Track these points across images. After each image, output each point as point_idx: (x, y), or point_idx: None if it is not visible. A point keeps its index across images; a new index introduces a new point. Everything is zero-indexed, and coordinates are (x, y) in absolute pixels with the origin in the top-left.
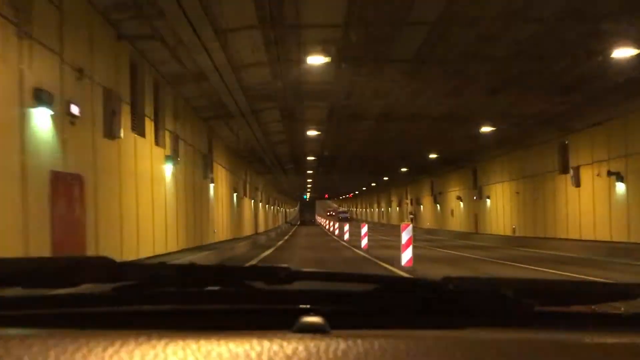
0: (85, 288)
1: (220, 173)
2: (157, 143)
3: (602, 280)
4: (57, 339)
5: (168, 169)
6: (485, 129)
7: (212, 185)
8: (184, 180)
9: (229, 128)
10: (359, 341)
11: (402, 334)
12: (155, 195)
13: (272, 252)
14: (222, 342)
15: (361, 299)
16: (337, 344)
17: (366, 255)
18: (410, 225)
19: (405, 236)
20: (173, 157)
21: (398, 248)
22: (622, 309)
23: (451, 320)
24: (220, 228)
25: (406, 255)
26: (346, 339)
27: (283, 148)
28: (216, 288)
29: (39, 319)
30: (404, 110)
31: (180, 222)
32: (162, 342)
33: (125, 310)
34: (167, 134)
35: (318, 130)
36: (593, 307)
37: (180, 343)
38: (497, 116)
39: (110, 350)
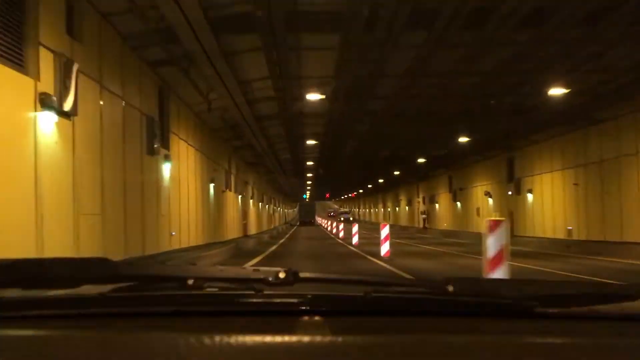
0: (84, 289)
1: (186, 153)
2: (6, 59)
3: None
4: (57, 340)
5: (46, 119)
6: (554, 92)
7: (166, 166)
8: (97, 149)
9: (193, 85)
10: (359, 341)
11: (401, 335)
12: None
13: (258, 263)
14: (223, 342)
15: (361, 300)
16: (336, 345)
17: (394, 269)
18: (505, 225)
19: (494, 244)
20: (59, 99)
21: (428, 256)
22: (623, 310)
23: (451, 321)
24: (185, 229)
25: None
26: (346, 340)
27: (275, 128)
28: (217, 289)
29: (39, 320)
30: (446, 57)
31: (85, 219)
32: (163, 343)
33: (124, 311)
34: (43, 54)
35: (322, 93)
36: (593, 307)
37: (181, 343)
38: (578, 67)
39: (110, 351)
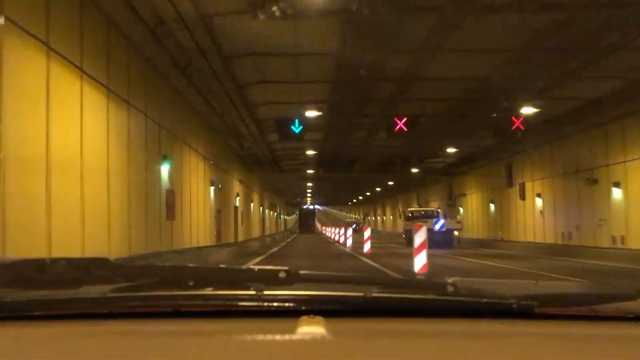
0: (84, 289)
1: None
2: None
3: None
4: (57, 340)
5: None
6: None
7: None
8: None
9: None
10: (359, 342)
11: (401, 335)
12: None
13: None
14: (222, 342)
15: (361, 301)
16: (336, 345)
17: None
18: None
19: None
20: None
21: None
22: (623, 310)
23: (451, 322)
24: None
25: None
26: (346, 340)
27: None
28: (216, 288)
29: (38, 320)
30: None
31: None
32: (162, 343)
33: (123, 311)
34: None
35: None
36: (593, 307)
37: (180, 343)
38: None
39: (109, 351)
